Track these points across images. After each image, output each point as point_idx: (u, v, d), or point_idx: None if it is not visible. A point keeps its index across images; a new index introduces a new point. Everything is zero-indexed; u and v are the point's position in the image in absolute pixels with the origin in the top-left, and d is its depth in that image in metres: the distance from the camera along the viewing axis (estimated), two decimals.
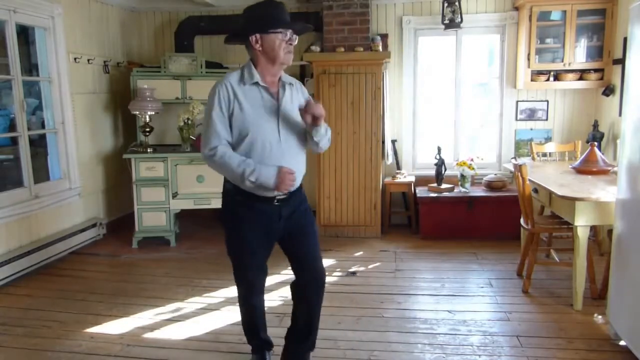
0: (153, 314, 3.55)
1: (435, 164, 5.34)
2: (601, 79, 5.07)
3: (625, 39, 4.40)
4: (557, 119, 5.56)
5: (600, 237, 4.54)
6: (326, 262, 4.53)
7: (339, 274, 4.30)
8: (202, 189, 5.07)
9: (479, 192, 5.25)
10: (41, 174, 4.69)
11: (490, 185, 5.27)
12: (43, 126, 4.82)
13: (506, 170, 5.30)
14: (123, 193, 5.57)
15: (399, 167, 5.72)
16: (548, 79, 5.21)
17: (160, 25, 6.05)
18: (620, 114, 4.33)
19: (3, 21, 4.16)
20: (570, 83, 5.18)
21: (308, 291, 2.59)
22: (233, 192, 2.46)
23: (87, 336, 3.24)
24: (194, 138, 5.18)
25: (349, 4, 5.17)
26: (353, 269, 4.39)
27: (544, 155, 5.00)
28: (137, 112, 5.04)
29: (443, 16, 5.32)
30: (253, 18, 2.35)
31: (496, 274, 4.21)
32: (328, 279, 4.10)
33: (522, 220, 4.03)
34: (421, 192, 5.31)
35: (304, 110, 2.39)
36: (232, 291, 3.85)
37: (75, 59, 4.94)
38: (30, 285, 4.09)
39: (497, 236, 5.07)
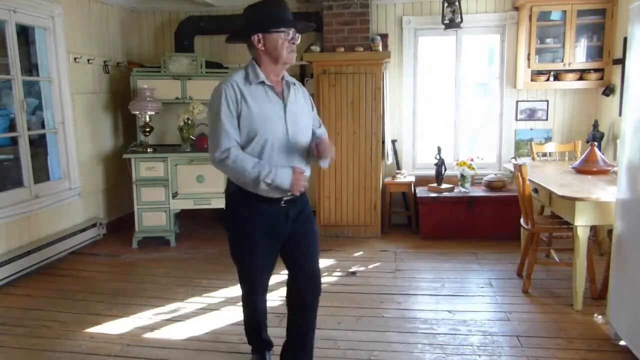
0: (153, 314, 3.55)
1: (435, 164, 5.34)
2: (601, 79, 5.07)
3: (625, 39, 4.40)
4: (557, 119, 5.56)
5: (600, 237, 4.54)
6: (326, 262, 4.54)
7: (339, 274, 4.30)
8: (202, 189, 5.07)
9: (479, 192, 5.25)
10: (41, 174, 4.69)
11: (490, 185, 5.27)
12: (43, 126, 4.82)
13: (506, 170, 5.30)
14: (123, 193, 5.57)
15: (399, 167, 5.72)
16: (548, 79, 5.21)
17: (160, 25, 6.05)
18: (620, 114, 4.33)
19: (3, 21, 4.16)
20: (570, 83, 5.18)
21: (304, 295, 2.54)
22: (237, 193, 2.38)
23: (87, 336, 3.24)
24: (194, 138, 5.18)
25: (349, 4, 5.17)
26: (353, 269, 4.39)
27: (544, 155, 5.00)
28: (137, 112, 5.04)
29: (443, 16, 5.32)
30: (255, 17, 2.32)
31: (496, 274, 4.21)
32: (328, 279, 4.14)
33: (522, 220, 4.03)
34: (421, 192, 5.31)
35: (315, 146, 2.40)
36: (232, 291, 3.87)
37: (75, 59, 4.94)
38: (30, 285, 4.09)
39: (497, 236, 5.07)
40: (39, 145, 4.77)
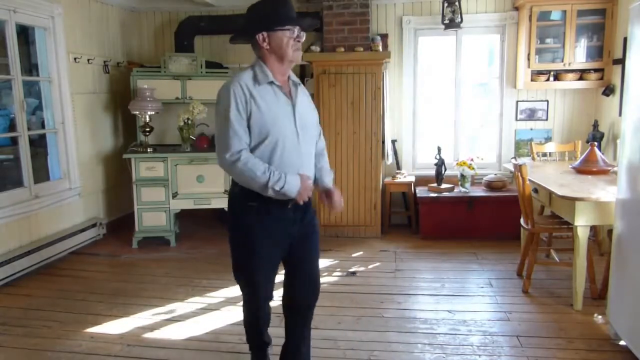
0: (153, 314, 3.55)
1: (435, 164, 5.34)
2: (601, 79, 5.07)
3: (625, 39, 4.40)
4: (557, 119, 5.56)
5: (600, 237, 4.54)
6: (326, 262, 4.54)
7: (339, 274, 4.30)
8: (202, 189, 5.07)
9: (479, 192, 5.25)
10: (41, 174, 4.69)
11: (490, 185, 5.27)
12: (43, 126, 4.82)
13: (506, 170, 5.30)
14: (123, 193, 5.57)
15: (399, 167, 5.72)
16: (548, 79, 5.21)
17: (160, 25, 6.05)
18: (620, 114, 4.33)
19: (3, 21, 4.16)
20: (570, 83, 5.18)
21: (304, 298, 2.49)
22: (244, 195, 2.29)
23: (87, 336, 3.24)
24: (194, 138, 5.18)
25: (349, 4, 5.17)
26: (353, 269, 4.39)
27: (544, 155, 5.00)
28: (137, 112, 5.04)
29: (443, 16, 5.32)
30: (259, 16, 2.26)
31: (496, 274, 4.21)
32: (328, 279, 4.15)
33: (522, 220, 4.03)
34: (421, 192, 5.31)
35: (324, 195, 2.44)
36: (232, 291, 3.87)
37: (75, 59, 4.94)
38: (30, 285, 4.09)
39: (497, 236, 5.07)
40: (39, 145, 4.77)
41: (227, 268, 4.40)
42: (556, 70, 5.18)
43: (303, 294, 2.49)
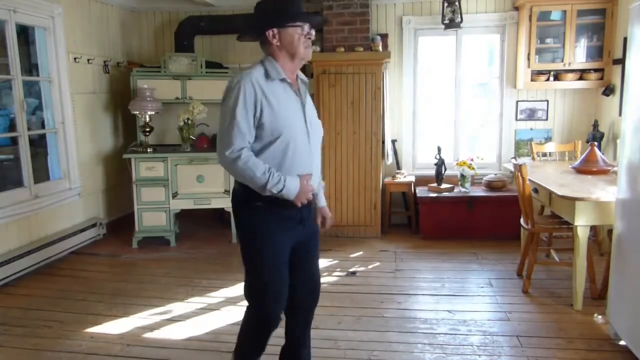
0: (153, 314, 3.55)
1: (435, 164, 5.34)
2: (601, 79, 5.07)
3: (625, 39, 4.40)
4: (557, 119, 5.56)
5: (600, 237, 4.54)
6: (326, 262, 4.54)
7: (339, 274, 4.30)
8: (202, 189, 5.07)
9: (479, 192, 5.25)
10: (41, 174, 4.69)
11: (490, 185, 5.27)
12: (43, 126, 4.82)
13: (506, 170, 5.30)
14: (123, 193, 5.57)
15: (399, 167, 5.72)
16: (548, 79, 5.21)
17: (160, 25, 6.05)
18: (620, 114, 4.33)
19: (3, 21, 4.16)
20: (570, 83, 5.18)
21: (305, 299, 2.45)
22: (248, 196, 2.21)
23: (87, 336, 3.24)
24: (194, 138, 5.18)
25: (349, 4, 5.17)
26: (353, 269, 4.39)
27: (544, 155, 5.00)
28: (137, 112, 5.04)
29: (443, 16, 5.32)
30: (269, 12, 2.20)
31: (496, 274, 4.21)
32: (328, 279, 4.15)
33: (522, 220, 4.03)
34: (421, 192, 5.31)
35: (315, 218, 2.46)
36: (232, 291, 3.87)
37: (75, 59, 4.94)
38: (30, 285, 4.09)
39: (497, 236, 5.07)
40: (39, 145, 4.77)
41: (227, 268, 4.41)
42: (556, 70, 5.18)
43: (303, 295, 2.45)
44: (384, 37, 5.47)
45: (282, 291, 2.30)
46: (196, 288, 4.01)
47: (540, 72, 5.18)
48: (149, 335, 3.25)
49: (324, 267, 4.40)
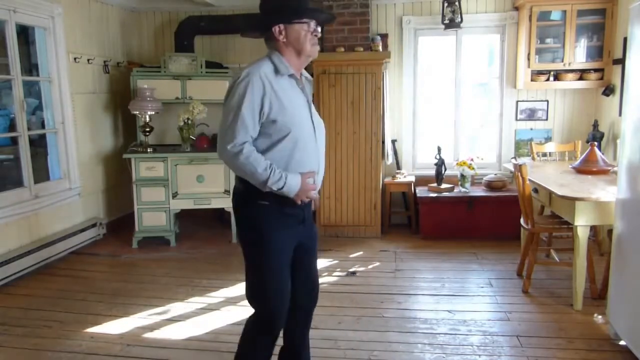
0: (153, 314, 3.55)
1: (435, 164, 5.34)
2: (601, 79, 5.07)
3: (625, 39, 4.40)
4: (557, 119, 5.56)
5: (600, 237, 4.54)
6: (326, 262, 4.54)
7: (339, 274, 4.30)
8: (202, 189, 5.07)
9: (479, 192, 5.25)
10: (41, 174, 4.69)
11: (490, 185, 5.27)
12: (43, 126, 4.82)
13: (506, 170, 5.30)
14: (123, 193, 5.57)
15: (399, 167, 5.72)
16: (548, 79, 5.21)
17: (160, 25, 6.05)
18: (620, 114, 4.33)
19: (3, 21, 4.16)
20: (570, 83, 5.18)
21: (305, 300, 2.41)
22: (252, 194, 2.15)
23: (87, 336, 3.24)
24: (194, 138, 5.18)
25: (349, 4, 5.17)
26: (353, 269, 4.39)
27: (544, 155, 5.00)
28: (137, 112, 5.04)
29: (443, 16, 5.32)
30: (275, 7, 2.16)
31: (496, 274, 4.21)
32: (328, 279, 4.15)
33: (522, 220, 4.03)
34: (421, 192, 5.31)
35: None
36: (232, 291, 3.87)
37: (75, 59, 4.94)
38: (30, 285, 4.09)
39: (497, 236, 5.07)
40: (39, 145, 4.77)
41: (227, 268, 4.41)
42: (556, 70, 5.18)
43: (303, 296, 2.41)
44: (384, 37, 5.47)
45: (285, 291, 2.24)
46: (196, 288, 4.01)
47: (540, 72, 5.18)
48: (149, 335, 3.25)
49: (324, 267, 4.40)
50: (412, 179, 5.54)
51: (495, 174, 5.43)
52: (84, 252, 4.90)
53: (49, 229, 4.62)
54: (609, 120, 5.08)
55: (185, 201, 5.09)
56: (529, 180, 3.77)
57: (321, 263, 4.43)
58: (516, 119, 5.60)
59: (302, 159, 2.16)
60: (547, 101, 5.53)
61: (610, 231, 3.39)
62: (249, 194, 2.16)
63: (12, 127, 4.60)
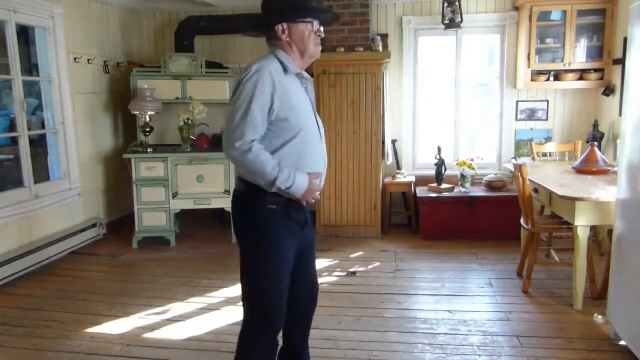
0: (153, 314, 3.55)
1: (435, 164, 5.34)
2: (601, 79, 5.07)
3: (625, 39, 4.40)
4: (557, 119, 5.56)
5: (600, 237, 4.54)
6: (326, 262, 4.54)
7: (339, 274, 4.30)
8: (202, 189, 5.07)
9: (479, 192, 5.25)
10: (41, 174, 4.69)
11: (490, 185, 5.27)
12: (43, 126, 4.82)
13: (506, 170, 5.30)
14: (123, 193, 5.57)
15: (399, 167, 5.72)
16: (548, 79, 5.21)
17: (160, 25, 6.05)
18: (620, 114, 4.33)
19: (3, 21, 4.16)
20: (570, 83, 5.18)
21: (305, 305, 2.39)
22: (259, 198, 2.09)
23: (87, 336, 3.24)
24: (194, 138, 5.18)
25: (349, 4, 5.17)
26: (353, 269, 4.39)
27: (544, 155, 5.00)
28: (137, 112, 5.04)
29: (443, 16, 5.32)
30: (278, 6, 2.13)
31: (496, 274, 4.21)
32: (328, 279, 4.15)
33: (522, 220, 4.03)
34: (421, 192, 5.31)
35: None
36: (232, 291, 3.87)
37: (75, 59, 4.94)
38: (30, 285, 4.09)
39: (497, 236, 5.07)
40: (39, 145, 4.77)
41: (227, 268, 4.41)
42: (556, 70, 5.18)
43: (303, 301, 2.39)
44: (384, 37, 5.47)
45: (283, 296, 2.18)
46: (196, 288, 4.01)
47: (540, 72, 5.18)
48: (149, 335, 3.25)
49: (324, 267, 4.39)
50: (412, 179, 5.54)
51: (495, 174, 5.43)
52: (84, 252, 4.90)
53: (49, 229, 4.62)
54: (609, 120, 5.08)
55: (185, 201, 5.09)
56: (529, 180, 3.77)
57: (321, 263, 4.43)
58: (516, 119, 5.60)
59: (310, 159, 2.14)
60: (547, 101, 5.53)
61: (610, 231, 3.39)
62: (251, 195, 2.12)
63: (12, 127, 4.60)
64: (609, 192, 3.34)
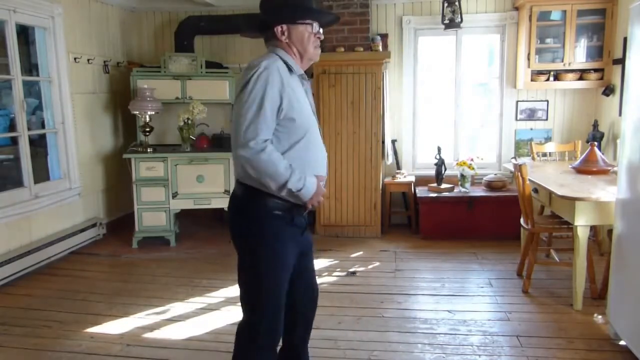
0: (153, 314, 3.55)
1: (435, 164, 5.34)
2: (601, 78, 5.07)
3: (625, 39, 4.40)
4: (557, 119, 5.56)
5: (600, 237, 4.54)
6: (326, 262, 4.54)
7: (339, 274, 4.30)
8: (202, 189, 5.07)
9: (479, 192, 5.25)
10: (41, 173, 4.69)
11: (490, 185, 5.27)
12: (43, 126, 4.81)
13: (506, 170, 5.30)
14: (123, 193, 5.57)
15: (399, 167, 5.72)
16: (548, 79, 5.21)
17: (160, 25, 6.05)
18: (620, 114, 4.33)
19: (3, 21, 4.15)
20: (570, 83, 5.18)
21: (305, 309, 2.36)
22: (263, 203, 2.03)
23: (87, 336, 3.24)
24: (194, 138, 5.18)
25: (349, 4, 5.17)
26: (353, 269, 4.39)
27: (544, 155, 5.00)
28: (137, 112, 5.04)
29: (443, 16, 5.32)
30: (278, 7, 2.09)
31: (496, 274, 4.21)
32: (328, 279, 4.15)
33: (522, 220, 4.03)
34: (421, 192, 5.31)
35: None
36: (232, 291, 3.87)
37: (75, 59, 4.94)
38: (30, 285, 4.09)
39: (497, 236, 5.07)
40: (39, 145, 4.77)
41: (227, 268, 4.40)
42: (556, 70, 5.18)
43: (304, 304, 2.36)
44: (384, 37, 5.47)
45: (282, 301, 2.15)
46: (196, 288, 4.01)
47: (540, 72, 5.18)
48: (149, 335, 3.25)
49: (324, 267, 4.39)
50: (412, 179, 5.54)
51: (495, 174, 5.43)
52: (84, 252, 4.90)
53: (49, 229, 4.62)
54: (609, 120, 5.08)
55: (185, 201, 5.09)
56: (529, 180, 3.76)
57: (321, 263, 4.43)
58: (516, 119, 5.60)
59: (315, 162, 2.10)
60: (547, 101, 5.53)
61: (610, 231, 3.39)
62: (253, 200, 2.06)
63: (12, 127, 4.60)
64: (609, 192, 3.34)
